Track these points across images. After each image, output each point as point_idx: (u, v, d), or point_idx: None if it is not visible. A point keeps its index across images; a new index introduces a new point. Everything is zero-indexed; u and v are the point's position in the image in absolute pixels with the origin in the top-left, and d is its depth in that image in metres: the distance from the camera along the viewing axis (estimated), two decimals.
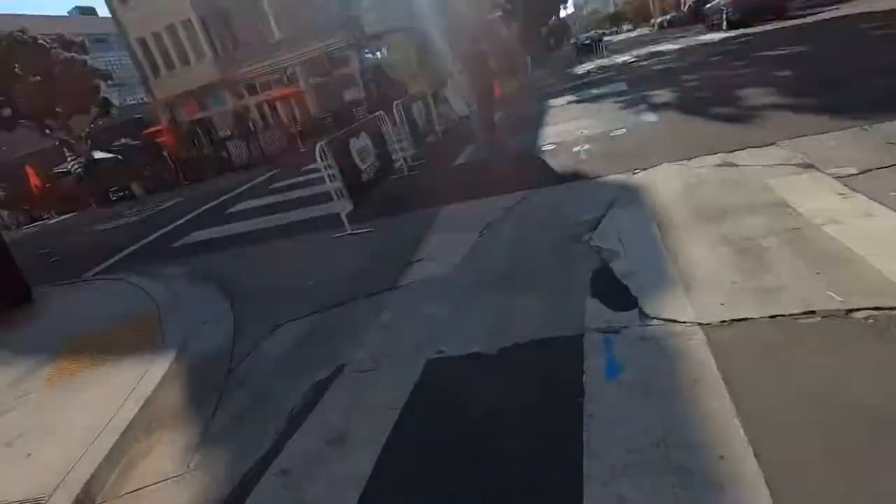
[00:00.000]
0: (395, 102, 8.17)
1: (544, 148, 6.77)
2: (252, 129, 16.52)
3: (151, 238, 8.79)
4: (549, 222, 4.21)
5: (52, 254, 10.33)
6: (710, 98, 7.00)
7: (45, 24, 38.50)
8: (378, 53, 23.80)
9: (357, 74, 23.30)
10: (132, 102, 33.07)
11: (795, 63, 7.77)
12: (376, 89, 23.92)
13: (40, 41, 23.07)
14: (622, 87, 10.26)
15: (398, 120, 8.14)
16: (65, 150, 19.19)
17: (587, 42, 35.07)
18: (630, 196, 4.27)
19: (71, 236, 12.46)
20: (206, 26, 24.25)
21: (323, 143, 5.49)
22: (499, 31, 28.29)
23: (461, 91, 13.67)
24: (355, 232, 5.48)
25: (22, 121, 24.10)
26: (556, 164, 5.85)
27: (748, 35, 13.34)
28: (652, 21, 67.08)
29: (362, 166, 6.21)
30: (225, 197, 11.32)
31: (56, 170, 20.88)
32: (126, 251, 8.18)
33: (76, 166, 18.35)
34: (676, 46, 16.30)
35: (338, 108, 23.25)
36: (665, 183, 4.32)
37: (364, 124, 6.64)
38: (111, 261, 7.66)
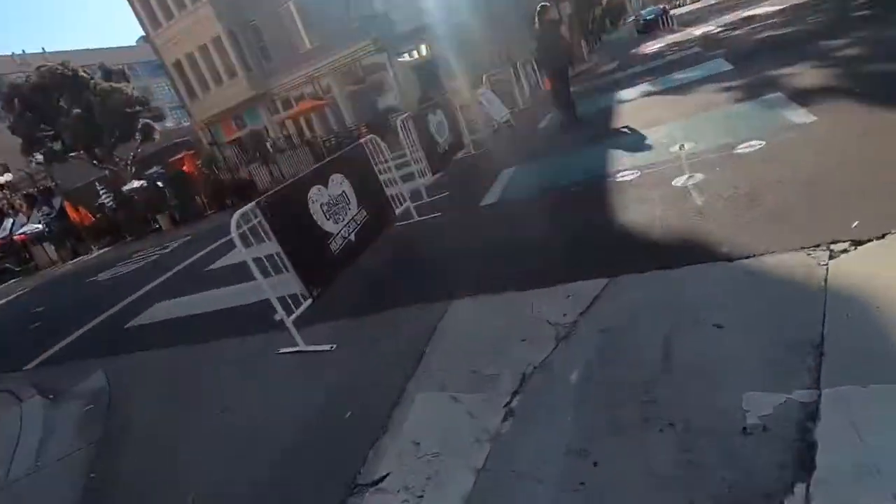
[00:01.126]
0: (398, 118, 5.94)
1: (621, 177, 4.25)
2: (270, 150, 14.94)
3: (120, 306, 7.21)
4: (664, 399, 1.80)
5: (42, 314, 9.34)
6: None
7: (90, 55, 39.78)
8: (415, 53, 21.72)
9: (392, 79, 21.37)
10: (186, 125, 33.19)
11: None
12: (418, 92, 21.87)
13: (81, 73, 23.06)
14: (723, 65, 7.38)
15: (405, 142, 5.90)
16: (96, 183, 18.71)
17: (650, 18, 31.21)
18: (861, 331, 1.78)
19: (74, 287, 11.41)
20: (237, 41, 23.29)
21: (249, 206, 3.37)
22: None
23: (502, 88, 11.27)
24: (307, 349, 3.32)
25: (72, 154, 24.31)
26: (649, 214, 3.34)
27: None
28: None
29: (333, 229, 4.03)
30: (226, 238, 9.68)
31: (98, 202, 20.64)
32: (88, 325, 6.67)
33: (108, 199, 17.76)
34: (777, 7, 12.85)
35: (372, 116, 21.48)
36: None
37: (340, 161, 4.46)
38: (69, 339, 6.17)
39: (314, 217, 3.91)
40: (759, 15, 12.60)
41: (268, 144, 15.31)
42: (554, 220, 4.04)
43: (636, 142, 5.11)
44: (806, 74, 5.17)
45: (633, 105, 7.16)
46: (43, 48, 46.95)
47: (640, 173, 4.17)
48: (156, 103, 41.61)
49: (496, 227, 4.46)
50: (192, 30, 23.06)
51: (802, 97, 4.42)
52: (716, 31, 13.11)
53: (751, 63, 6.81)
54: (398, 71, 21.11)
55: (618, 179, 4.24)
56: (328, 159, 4.40)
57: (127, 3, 24.50)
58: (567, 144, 6.27)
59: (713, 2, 55.58)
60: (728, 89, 5.82)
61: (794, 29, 8.23)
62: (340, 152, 4.60)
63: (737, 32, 10.80)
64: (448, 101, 7.70)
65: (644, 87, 8.33)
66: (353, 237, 4.28)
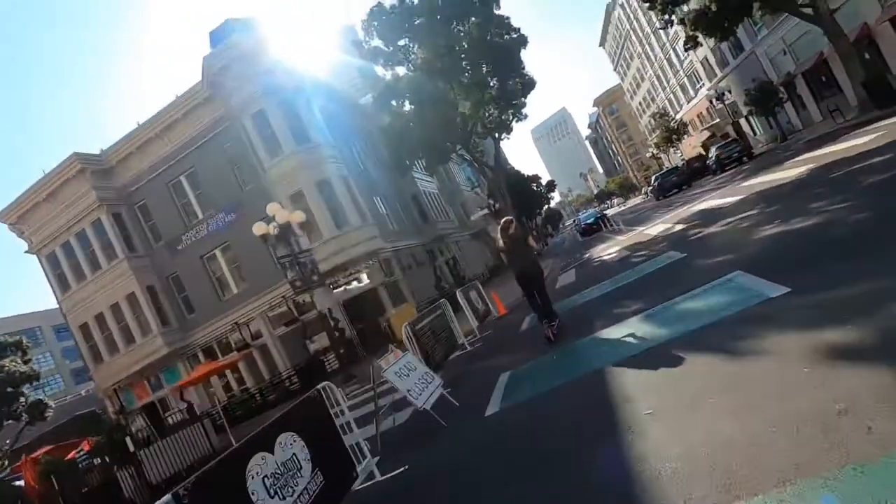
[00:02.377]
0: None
1: None
2: (133, 450, 10.76)
3: None
4: None
5: None
6: None
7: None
8: (344, 287, 19.71)
9: (326, 316, 18.79)
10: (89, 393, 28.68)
11: None
12: (352, 329, 19.16)
13: None
14: (761, 286, 4.54)
15: None
16: None
17: (591, 221, 32.05)
18: None
19: None
20: (155, 295, 20.94)
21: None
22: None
23: (439, 327, 8.35)
24: None
25: None
26: None
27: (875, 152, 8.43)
28: (644, 190, 68.26)
29: None
30: None
31: None
32: None
33: None
34: (736, 197, 11.50)
35: (305, 361, 18.16)
36: None
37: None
38: None
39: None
40: (723, 208, 11.08)
41: (126, 439, 11.16)
42: None
43: None
44: None
45: (648, 382, 3.97)
46: None
47: None
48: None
49: None
50: (105, 289, 20.78)
51: None
52: (678, 229, 11.38)
53: (819, 281, 4.00)
54: (333, 307, 18.67)
55: None
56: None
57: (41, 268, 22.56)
58: None
59: (636, 202, 61.39)
60: (869, 360, 2.71)
61: (819, 220, 5.91)
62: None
63: (714, 230, 8.76)
64: (318, 411, 4.34)
65: (639, 325, 5.38)
66: None
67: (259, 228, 13.78)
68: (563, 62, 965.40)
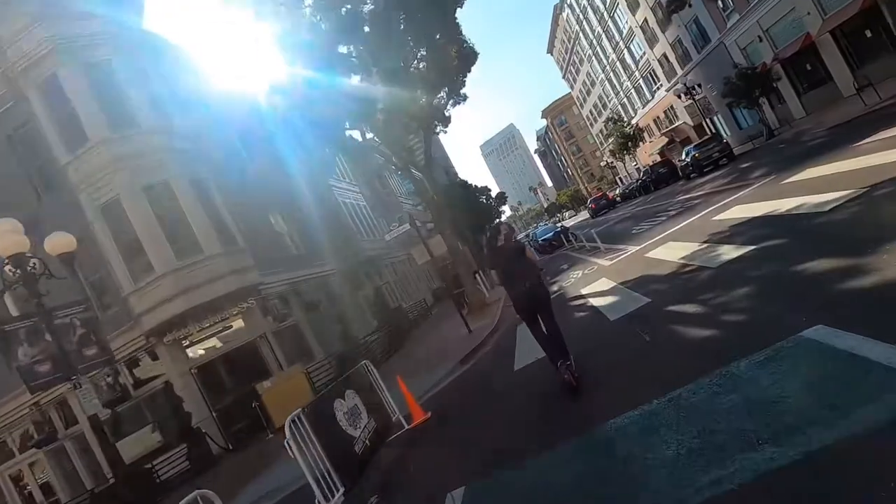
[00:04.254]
0: None
1: None
2: None
3: None
4: None
5: None
6: None
7: None
8: (214, 338, 13.34)
9: (168, 391, 12.32)
10: None
11: None
12: (211, 408, 12.74)
13: None
14: None
15: None
16: None
17: (549, 236, 27.11)
18: None
19: None
20: None
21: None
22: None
23: None
24: None
25: None
26: None
27: None
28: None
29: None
30: None
31: None
32: None
33: None
34: (814, 198, 6.36)
35: (121, 473, 11.58)
36: None
37: None
38: None
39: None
40: (815, 215, 5.91)
41: None
42: None
43: None
44: None
45: None
46: None
47: None
48: None
49: None
50: None
51: None
52: (737, 255, 6.09)
53: None
54: (176, 379, 12.28)
55: None
56: None
57: None
58: None
59: (587, 216, 57.69)
60: None
61: None
62: None
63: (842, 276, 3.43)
64: None
65: None
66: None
67: None
68: (510, 80, 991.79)
